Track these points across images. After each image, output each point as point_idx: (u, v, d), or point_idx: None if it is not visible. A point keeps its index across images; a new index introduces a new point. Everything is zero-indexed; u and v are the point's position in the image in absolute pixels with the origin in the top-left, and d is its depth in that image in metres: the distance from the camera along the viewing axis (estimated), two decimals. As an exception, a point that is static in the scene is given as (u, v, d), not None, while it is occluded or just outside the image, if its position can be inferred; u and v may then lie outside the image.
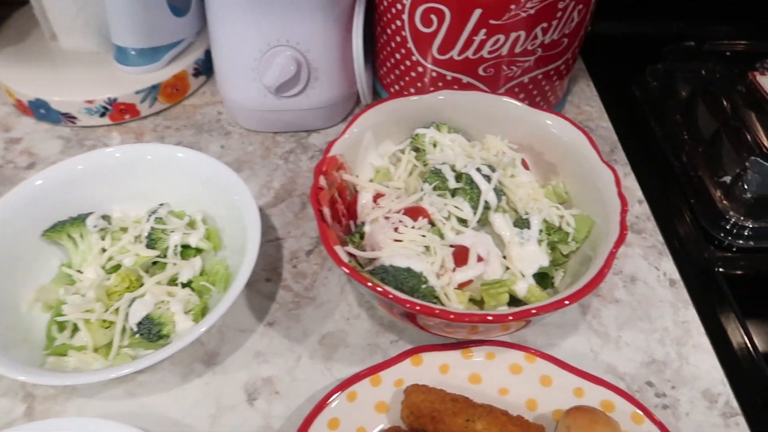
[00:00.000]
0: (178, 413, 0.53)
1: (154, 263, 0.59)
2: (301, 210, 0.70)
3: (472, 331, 0.50)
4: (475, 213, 0.53)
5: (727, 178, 0.70)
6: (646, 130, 0.82)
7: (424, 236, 0.51)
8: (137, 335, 0.54)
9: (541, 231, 0.54)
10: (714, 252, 0.68)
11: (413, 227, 0.52)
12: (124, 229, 0.61)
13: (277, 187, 0.72)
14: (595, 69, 0.90)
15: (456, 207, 0.53)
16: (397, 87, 0.76)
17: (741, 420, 0.55)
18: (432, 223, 0.53)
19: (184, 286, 0.58)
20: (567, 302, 0.44)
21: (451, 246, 0.52)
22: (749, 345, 0.60)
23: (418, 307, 0.44)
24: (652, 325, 0.61)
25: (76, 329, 0.55)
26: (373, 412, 0.51)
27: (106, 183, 0.62)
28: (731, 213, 0.69)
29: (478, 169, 0.53)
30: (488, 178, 0.53)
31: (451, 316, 0.44)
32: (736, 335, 0.61)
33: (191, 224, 0.62)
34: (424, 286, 0.49)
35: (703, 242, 0.69)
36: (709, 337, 0.60)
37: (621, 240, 0.49)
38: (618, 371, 0.57)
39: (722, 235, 0.70)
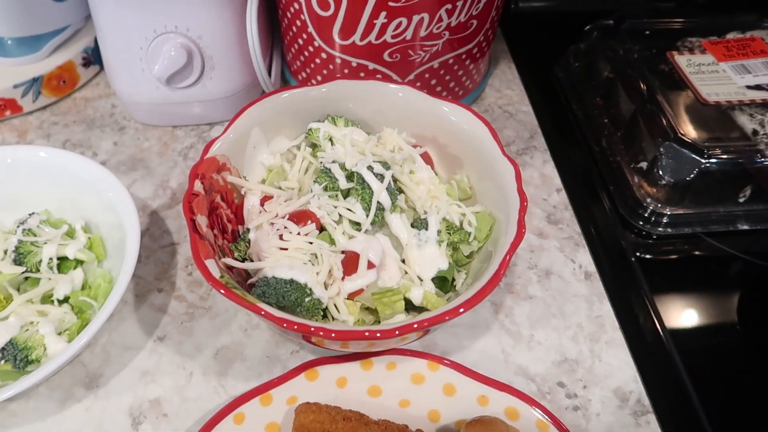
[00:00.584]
0: (53, 445, 0.49)
1: (27, 279, 0.54)
2: (199, 211, 0.65)
3: (369, 344, 0.46)
4: (367, 215, 0.49)
5: (644, 164, 0.67)
6: (567, 114, 0.79)
7: (311, 243, 0.47)
8: (2, 362, 0.49)
9: (439, 231, 0.50)
10: (631, 241, 0.66)
11: (299, 233, 0.48)
12: (-7, 242, 0.56)
13: (175, 186, 0.67)
14: (517, 49, 0.87)
15: (348, 209, 0.49)
16: (303, 75, 0.71)
17: (652, 418, 0.53)
18: (322, 228, 0.49)
19: (61, 302, 0.53)
20: (447, 317, 0.41)
21: (342, 252, 0.48)
22: (663, 335, 0.58)
23: (295, 327, 0.41)
24: (565, 322, 0.59)
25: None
26: (262, 434, 0.47)
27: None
28: (648, 200, 0.67)
29: (370, 168, 0.49)
30: (381, 177, 0.49)
31: (333, 335, 0.41)
32: (648, 325, 0.59)
33: (70, 233, 0.56)
34: (308, 299, 0.45)
35: (620, 231, 0.67)
36: (623, 332, 0.58)
37: (517, 241, 0.46)
38: (529, 372, 0.55)
39: (641, 223, 0.68)
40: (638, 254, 0.65)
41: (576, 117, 0.79)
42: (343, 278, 0.47)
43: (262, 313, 0.41)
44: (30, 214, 0.55)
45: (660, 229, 0.67)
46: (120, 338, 0.55)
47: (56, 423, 0.50)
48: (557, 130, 0.77)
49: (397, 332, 0.41)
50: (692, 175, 0.64)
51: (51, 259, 0.54)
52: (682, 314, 0.61)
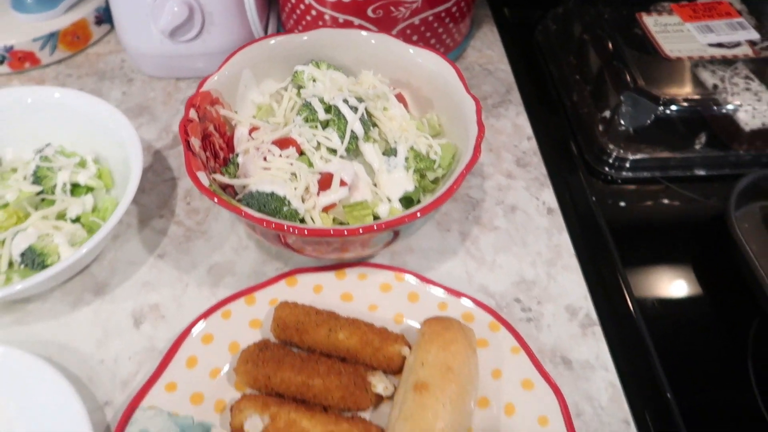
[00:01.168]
0: (66, 338, 0.56)
1: (43, 200, 0.61)
2: (198, 151, 0.72)
3: (341, 246, 0.52)
4: (342, 142, 0.55)
5: (607, 113, 0.73)
6: (543, 73, 0.85)
7: (291, 164, 0.54)
8: (22, 266, 0.56)
9: (407, 158, 0.57)
10: (593, 183, 0.72)
11: (281, 156, 0.54)
12: (15, 170, 0.63)
13: (176, 131, 0.74)
14: (500, 14, 0.93)
15: (325, 137, 0.56)
16: (296, 32, 0.77)
17: (597, 330, 0.59)
18: (302, 153, 0.56)
19: (73, 222, 0.60)
20: (407, 220, 0.47)
21: (320, 174, 0.55)
22: (615, 261, 0.64)
23: (273, 225, 0.47)
24: (526, 250, 0.65)
25: (-35, 263, 0.57)
26: (247, 328, 0.54)
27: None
28: (611, 146, 0.73)
29: (345, 101, 0.56)
30: (355, 109, 0.56)
31: (306, 232, 0.47)
32: (601, 253, 0.65)
33: (82, 164, 0.63)
34: (286, 208, 0.51)
35: (584, 175, 0.73)
36: (578, 258, 0.64)
37: (473, 161, 0.52)
38: (489, 290, 0.61)
39: (606, 169, 0.73)
40: (595, 193, 0.71)
41: (551, 75, 0.84)
42: (318, 193, 0.53)
43: (243, 214, 0.48)
44: (47, 145, 0.62)
45: (623, 173, 0.73)
46: (125, 255, 0.62)
47: (68, 322, 0.57)
48: (532, 87, 0.83)
49: (360, 230, 0.47)
50: (649, 122, 0.70)
51: (65, 183, 0.61)
52: (634, 243, 0.67)
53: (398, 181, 0.56)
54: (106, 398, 0.52)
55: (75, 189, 0.62)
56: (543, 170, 0.72)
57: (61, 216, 0.60)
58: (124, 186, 0.62)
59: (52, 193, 0.61)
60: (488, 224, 0.67)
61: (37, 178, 0.60)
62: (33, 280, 0.50)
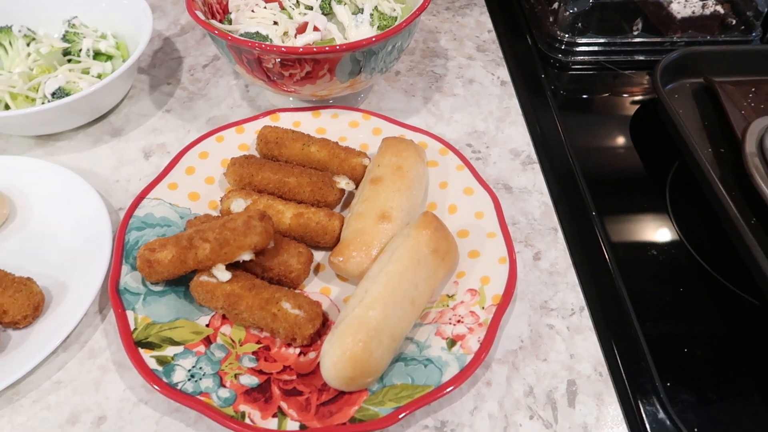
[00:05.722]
0: (88, 165, 0.67)
1: (69, 61, 0.73)
2: (201, 38, 0.83)
3: (313, 76, 0.62)
4: (316, -1, 0.66)
5: (556, 5, 0.84)
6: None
7: (274, 14, 0.65)
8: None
9: (372, 15, 0.68)
10: (546, 69, 0.83)
11: (265, 8, 0.65)
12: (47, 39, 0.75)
13: (183, 23, 0.85)
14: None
15: (303, -4, 0.67)
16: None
17: (536, 167, 0.69)
18: (284, 8, 0.67)
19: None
20: (365, 43, 0.58)
21: (297, 24, 0.66)
22: (555, 116, 0.74)
23: (249, 44, 0.58)
24: (479, 110, 0.75)
25: (6, 107, 0.68)
26: (236, 150, 0.65)
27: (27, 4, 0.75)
28: (559, 34, 0.83)
29: (320, -34, 0.67)
30: (328, -27, 0.67)
31: (283, 49, 0.58)
32: (545, 113, 0.75)
33: (103, 36, 0.75)
34: (267, 41, 0.63)
35: (534, 57, 0.83)
36: (524, 116, 0.75)
37: (423, 7, 0.63)
38: (445, 138, 0.72)
39: (558, 55, 0.84)
40: (543, 70, 0.81)
41: (513, -16, 0.95)
42: (296, 36, 0.65)
43: (229, 38, 0.59)
44: (74, 17, 0.74)
45: (571, 58, 0.83)
46: (138, 109, 0.74)
47: (89, 155, 0.69)
48: (495, -7, 0.94)
49: (327, 48, 0.58)
50: (588, 6, 0.80)
51: (89, 49, 0.73)
52: (572, 109, 0.77)
53: (364, 33, 0.67)
54: (120, 205, 0.64)
55: (97, 57, 0.74)
56: (500, 54, 0.83)
57: (85, 72, 0.71)
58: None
59: (78, 55, 0.72)
60: (448, 92, 0.78)
61: (66, 40, 0.72)
62: (59, 103, 0.62)
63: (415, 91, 0.77)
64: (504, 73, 0.80)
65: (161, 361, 0.48)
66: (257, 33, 0.63)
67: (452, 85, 0.78)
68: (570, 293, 0.58)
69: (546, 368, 0.53)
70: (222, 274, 0.51)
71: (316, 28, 0.65)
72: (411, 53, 0.82)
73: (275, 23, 0.65)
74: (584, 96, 0.81)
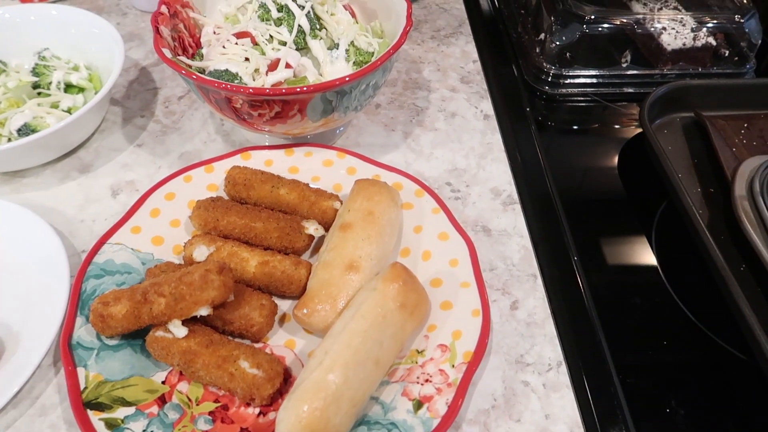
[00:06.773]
0: (53, 203, 0.65)
1: (39, 94, 0.71)
2: (179, 68, 0.81)
3: (284, 116, 0.60)
4: (291, 34, 0.64)
5: (543, 36, 0.81)
6: (492, 11, 0.94)
7: (246, 51, 0.63)
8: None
9: (348, 51, 0.65)
10: (532, 101, 0.80)
11: (236, 44, 0.63)
12: (18, 72, 0.73)
13: (161, 52, 0.84)
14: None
15: (277, 31, 0.65)
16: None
17: (518, 207, 0.67)
18: (256, 44, 0.65)
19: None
20: (338, 84, 0.56)
21: (270, 60, 0.64)
22: (539, 154, 0.72)
23: (215, 85, 0.56)
24: (461, 146, 0.73)
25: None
26: (204, 190, 0.63)
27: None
28: (546, 65, 0.81)
29: (294, 0, 0.65)
30: (302, 7, 0.65)
31: (250, 91, 0.56)
32: (527, 147, 0.73)
33: (75, 68, 0.73)
34: (237, 81, 0.60)
35: (520, 89, 0.81)
36: (507, 153, 0.72)
37: (399, 43, 0.61)
38: (424, 176, 0.69)
39: (546, 88, 0.81)
40: (528, 102, 0.79)
41: (500, 12, 0.93)
42: (267, 74, 0.62)
43: (195, 77, 0.57)
44: (45, 48, 0.73)
45: (558, 90, 0.81)
46: (108, 144, 0.72)
47: (56, 192, 0.66)
48: (482, 22, 0.91)
49: (298, 90, 0.56)
50: (576, 39, 0.78)
51: (59, 82, 0.71)
52: (558, 143, 0.75)
53: (340, 70, 0.65)
54: (83, 247, 0.61)
55: (68, 89, 0.72)
56: (484, 86, 0.81)
57: (54, 106, 0.70)
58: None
59: (48, 88, 0.70)
60: (429, 126, 0.75)
61: (35, 74, 0.70)
62: (22, 141, 0.60)
63: (395, 125, 0.75)
64: (488, 106, 0.78)
65: (110, 424, 0.46)
66: (227, 71, 0.61)
67: (434, 119, 0.76)
68: (548, 346, 0.55)
69: (519, 429, 0.50)
70: (178, 330, 0.49)
71: (288, 65, 0.62)
72: (393, 85, 0.80)
73: (247, 59, 0.63)
74: (571, 130, 0.79)
